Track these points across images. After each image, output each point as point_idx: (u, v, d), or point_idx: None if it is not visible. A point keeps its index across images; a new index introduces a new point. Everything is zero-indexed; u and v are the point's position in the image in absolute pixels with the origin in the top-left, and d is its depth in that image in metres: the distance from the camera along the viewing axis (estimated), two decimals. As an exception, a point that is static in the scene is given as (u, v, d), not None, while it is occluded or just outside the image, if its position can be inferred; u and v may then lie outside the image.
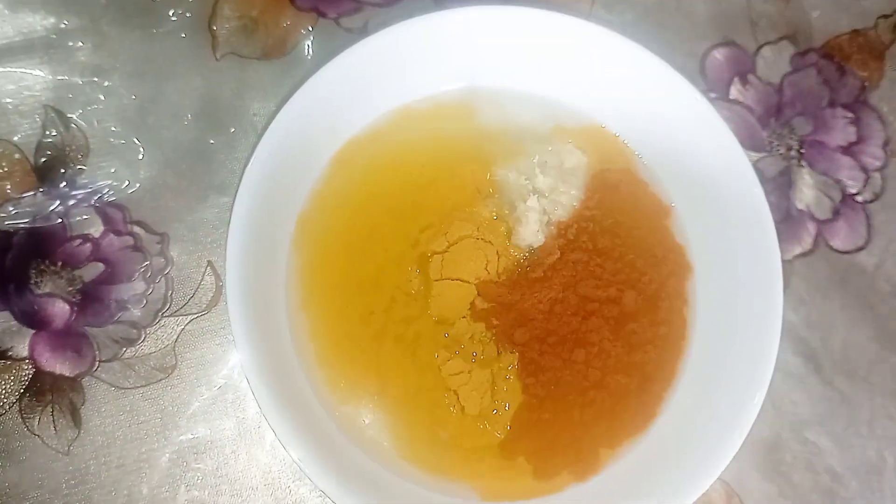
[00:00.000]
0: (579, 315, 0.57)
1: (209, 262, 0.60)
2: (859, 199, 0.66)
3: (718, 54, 0.67)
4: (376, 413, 0.56)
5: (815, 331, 0.63)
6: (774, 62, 0.67)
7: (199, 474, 0.57)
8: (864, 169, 0.66)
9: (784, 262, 0.63)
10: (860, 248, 0.65)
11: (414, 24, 0.56)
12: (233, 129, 0.62)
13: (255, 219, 0.53)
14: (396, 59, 0.57)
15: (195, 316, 0.59)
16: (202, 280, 0.60)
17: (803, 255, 0.64)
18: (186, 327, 0.59)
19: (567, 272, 0.57)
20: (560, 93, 0.61)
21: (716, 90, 0.66)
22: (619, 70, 0.57)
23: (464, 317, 0.57)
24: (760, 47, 0.67)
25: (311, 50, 0.63)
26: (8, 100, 0.60)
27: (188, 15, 0.63)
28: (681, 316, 0.59)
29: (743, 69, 0.67)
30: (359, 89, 0.57)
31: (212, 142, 0.61)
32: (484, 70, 0.60)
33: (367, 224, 0.59)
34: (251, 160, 0.52)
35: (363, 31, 0.64)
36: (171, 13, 0.62)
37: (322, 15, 0.64)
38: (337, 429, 0.55)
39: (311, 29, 0.64)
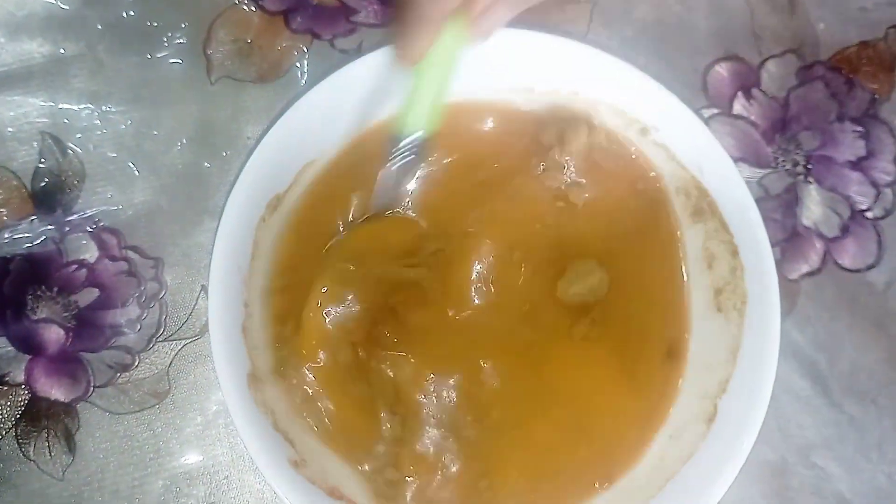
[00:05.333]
0: None
1: (202, 287, 0.60)
2: (869, 215, 0.64)
3: (721, 69, 0.66)
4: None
5: (822, 352, 0.61)
6: (779, 76, 0.66)
7: (192, 500, 0.57)
8: (875, 184, 0.64)
9: (790, 281, 0.62)
10: (871, 267, 0.63)
11: None
12: (226, 153, 0.61)
13: (240, 244, 0.52)
14: (388, 79, 0.57)
15: (189, 341, 0.59)
16: (195, 304, 0.59)
17: (810, 273, 0.63)
18: (180, 352, 0.59)
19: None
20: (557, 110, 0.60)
21: (718, 105, 0.65)
22: (613, 90, 0.56)
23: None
24: (765, 61, 0.66)
25: (305, 72, 0.63)
26: (7, 127, 0.61)
27: (183, 41, 0.63)
28: (682, 341, 0.58)
29: (747, 83, 0.65)
30: (349, 110, 0.57)
31: (207, 165, 0.61)
32: (478, 89, 0.59)
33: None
34: (236, 184, 0.52)
35: (357, 52, 0.63)
36: (165, 39, 0.63)
37: (317, 37, 0.64)
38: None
39: (305, 51, 0.63)
